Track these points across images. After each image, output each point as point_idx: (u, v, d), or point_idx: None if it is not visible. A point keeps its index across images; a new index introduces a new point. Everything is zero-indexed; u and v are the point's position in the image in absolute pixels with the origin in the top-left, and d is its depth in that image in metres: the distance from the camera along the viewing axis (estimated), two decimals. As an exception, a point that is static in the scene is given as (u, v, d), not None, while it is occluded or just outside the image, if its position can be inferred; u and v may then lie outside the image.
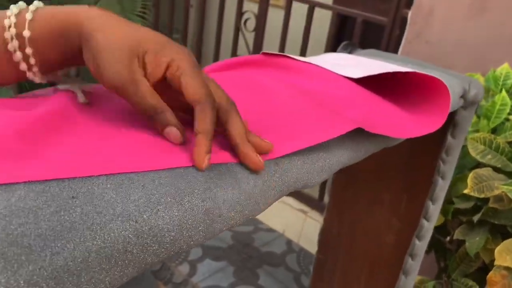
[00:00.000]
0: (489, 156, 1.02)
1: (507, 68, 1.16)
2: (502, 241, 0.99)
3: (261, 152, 0.37)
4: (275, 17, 2.24)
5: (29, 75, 0.38)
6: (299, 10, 2.10)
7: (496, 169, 1.02)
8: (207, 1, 2.43)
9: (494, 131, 1.11)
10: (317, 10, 1.90)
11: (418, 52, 1.43)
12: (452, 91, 0.52)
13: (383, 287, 0.64)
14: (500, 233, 1.02)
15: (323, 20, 2.36)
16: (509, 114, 1.13)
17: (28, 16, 0.35)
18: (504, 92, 1.07)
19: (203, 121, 0.35)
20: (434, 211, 0.61)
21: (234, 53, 2.20)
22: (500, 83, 1.17)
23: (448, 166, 0.58)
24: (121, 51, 0.34)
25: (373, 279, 0.75)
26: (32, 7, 0.36)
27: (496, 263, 0.91)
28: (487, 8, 1.38)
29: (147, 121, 0.37)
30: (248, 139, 0.37)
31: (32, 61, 0.37)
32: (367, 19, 1.80)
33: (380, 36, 1.75)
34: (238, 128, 0.37)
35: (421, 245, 0.60)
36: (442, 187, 0.59)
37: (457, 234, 1.08)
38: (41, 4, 0.37)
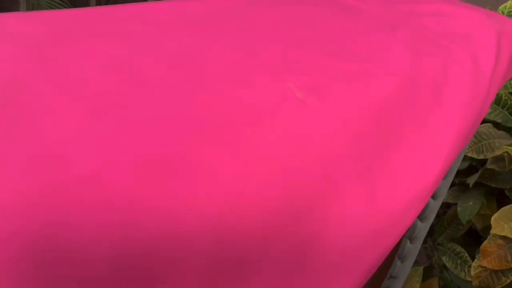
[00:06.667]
0: (489, 110, 0.93)
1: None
2: (498, 206, 0.91)
3: None
4: None
5: None
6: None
7: (495, 125, 0.92)
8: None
9: (493, 80, 1.02)
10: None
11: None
12: None
13: (376, 273, 0.52)
14: (496, 197, 0.93)
15: None
16: None
17: None
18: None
19: None
20: (444, 187, 0.50)
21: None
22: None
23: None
24: None
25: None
26: None
27: (492, 231, 0.83)
28: None
29: None
30: None
31: None
32: None
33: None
34: None
35: (423, 227, 0.49)
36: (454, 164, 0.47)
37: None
38: None
